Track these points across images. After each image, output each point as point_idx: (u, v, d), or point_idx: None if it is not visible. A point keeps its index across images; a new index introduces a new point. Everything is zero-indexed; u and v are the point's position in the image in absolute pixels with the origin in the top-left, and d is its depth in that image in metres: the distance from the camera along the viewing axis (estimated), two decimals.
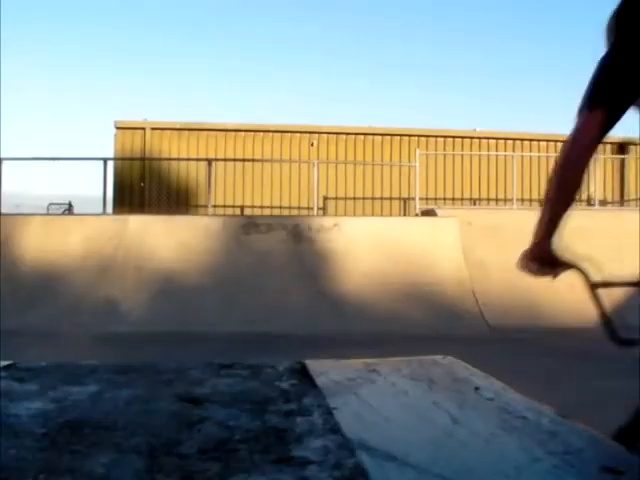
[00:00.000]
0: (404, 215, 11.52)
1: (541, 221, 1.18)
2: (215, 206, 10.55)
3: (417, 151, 10.48)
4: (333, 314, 6.86)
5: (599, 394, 3.56)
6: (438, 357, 1.37)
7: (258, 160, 11.65)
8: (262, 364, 1.30)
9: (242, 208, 11.72)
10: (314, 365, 1.27)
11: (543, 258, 1.18)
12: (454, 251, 7.81)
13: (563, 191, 1.17)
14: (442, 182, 12.24)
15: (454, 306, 7.14)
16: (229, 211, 11.48)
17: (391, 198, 11.93)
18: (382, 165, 11.68)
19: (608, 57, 1.10)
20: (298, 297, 7.06)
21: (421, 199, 10.35)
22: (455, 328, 6.59)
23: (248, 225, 7.76)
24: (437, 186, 12.20)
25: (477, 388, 1.12)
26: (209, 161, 9.99)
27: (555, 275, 1.20)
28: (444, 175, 12.26)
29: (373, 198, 11.94)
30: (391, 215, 11.44)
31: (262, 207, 11.72)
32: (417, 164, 10.19)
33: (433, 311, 6.98)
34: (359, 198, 11.94)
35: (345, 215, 11.03)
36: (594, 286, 1.15)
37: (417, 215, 9.75)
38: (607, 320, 1.12)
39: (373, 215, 11.33)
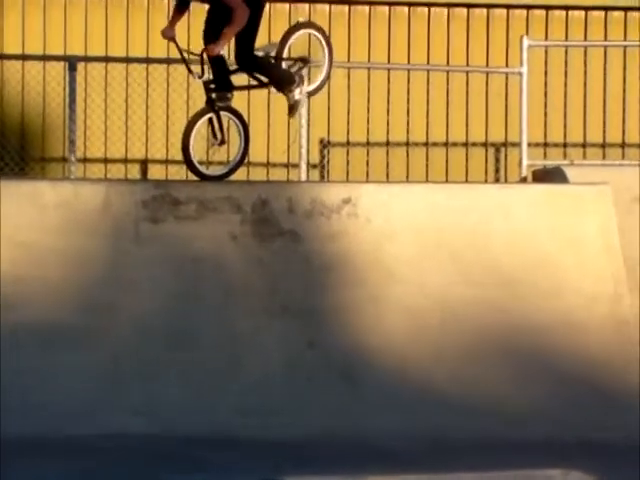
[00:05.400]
0: (495, 181, 11.58)
1: None
2: (85, 160, 10.57)
3: (524, 40, 10.49)
4: (338, 390, 6.94)
5: None
6: (554, 472, 1.41)
7: (176, 61, 11.56)
8: None
9: (144, 164, 11.80)
10: None
11: None
12: (604, 257, 7.87)
13: None
14: (578, 110, 12.37)
15: (603, 376, 7.21)
16: (116, 171, 11.55)
17: (466, 144, 12.05)
18: (445, 71, 11.70)
19: None
20: (265, 355, 7.13)
21: (532, 146, 10.40)
22: (601, 423, 6.64)
23: (158, 201, 7.76)
24: (568, 119, 12.31)
25: None
26: (70, 61, 9.98)
27: None
28: (584, 94, 12.37)
29: (426, 144, 12.08)
30: (467, 180, 11.54)
31: None
32: (524, 69, 10.22)
33: (554, 386, 7.05)
34: (396, 144, 12.04)
35: (367, 181, 11.12)
36: None
37: (523, 180, 9.79)
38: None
39: (426, 181, 11.40)
